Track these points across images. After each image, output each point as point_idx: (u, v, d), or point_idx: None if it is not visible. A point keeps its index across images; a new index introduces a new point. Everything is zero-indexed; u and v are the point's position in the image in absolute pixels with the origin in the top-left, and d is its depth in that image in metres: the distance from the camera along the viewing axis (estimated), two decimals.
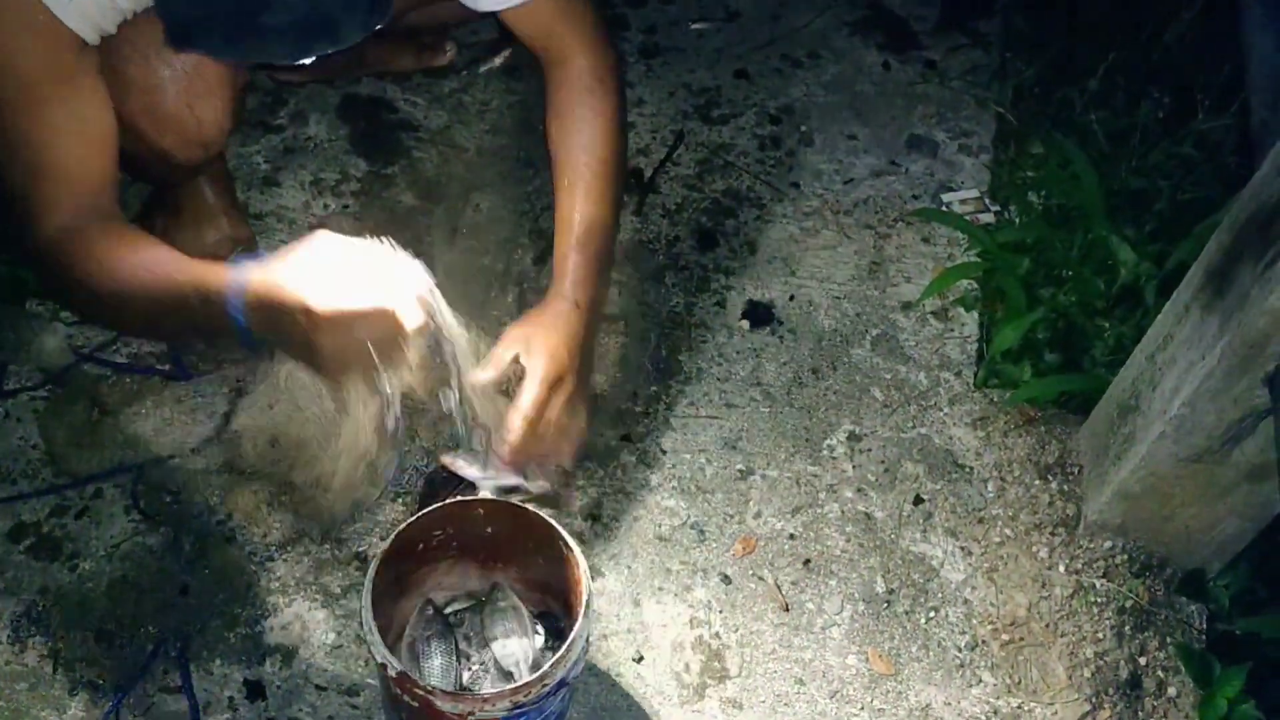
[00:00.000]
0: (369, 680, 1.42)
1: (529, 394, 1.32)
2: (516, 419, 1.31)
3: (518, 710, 1.17)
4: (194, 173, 1.66)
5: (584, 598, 1.22)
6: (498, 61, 2.14)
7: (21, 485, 1.55)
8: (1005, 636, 1.51)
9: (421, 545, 1.32)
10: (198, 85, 1.43)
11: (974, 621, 1.52)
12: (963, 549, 1.59)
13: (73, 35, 1.18)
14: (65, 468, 1.57)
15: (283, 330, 1.10)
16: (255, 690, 1.41)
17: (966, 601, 1.54)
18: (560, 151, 1.47)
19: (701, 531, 1.59)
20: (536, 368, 1.33)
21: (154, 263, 1.19)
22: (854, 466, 1.67)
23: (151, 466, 1.57)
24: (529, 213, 1.91)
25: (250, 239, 1.78)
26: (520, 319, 1.40)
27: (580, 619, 1.20)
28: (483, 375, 1.30)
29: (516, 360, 1.34)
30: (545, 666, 1.18)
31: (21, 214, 1.24)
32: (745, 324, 1.82)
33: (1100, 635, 1.51)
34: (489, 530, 1.35)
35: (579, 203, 1.44)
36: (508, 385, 1.35)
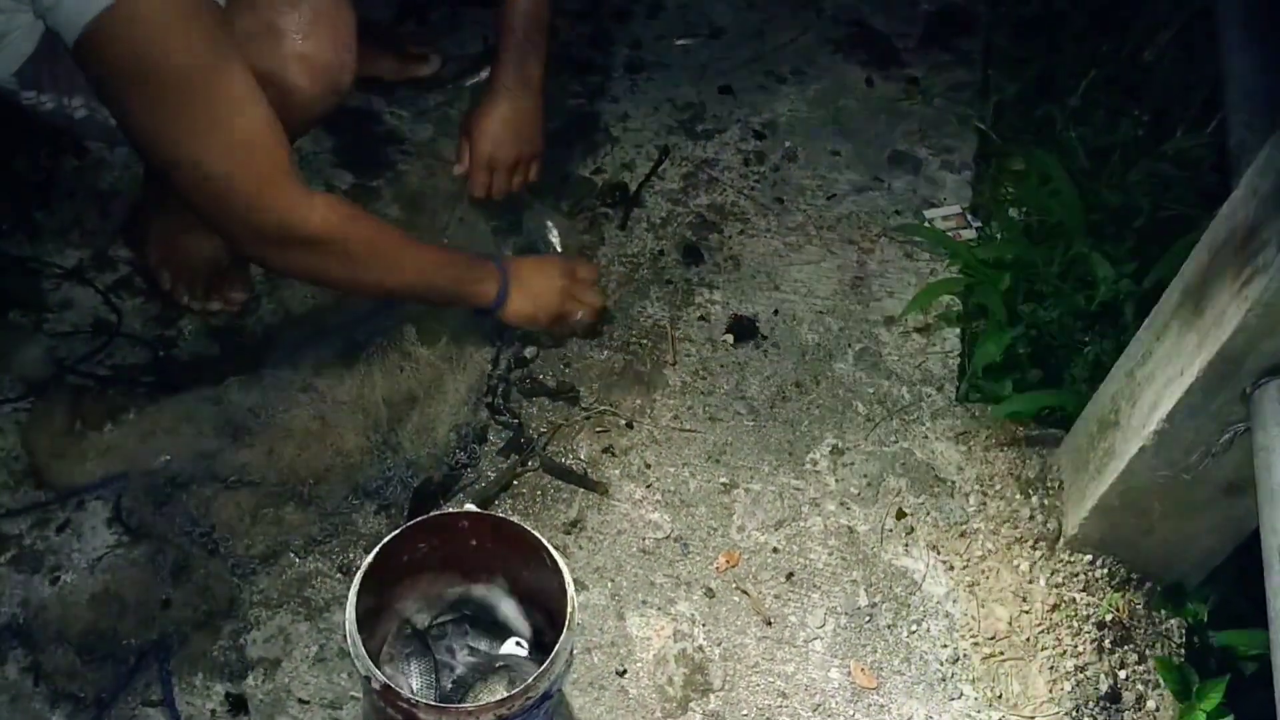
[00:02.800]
0: (352, 693, 1.42)
1: (472, 175, 1.84)
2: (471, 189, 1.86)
3: None
4: (305, 131, 1.68)
5: (568, 611, 1.22)
6: (483, 75, 2.14)
7: (3, 498, 1.54)
8: (986, 650, 1.52)
9: (406, 558, 1.32)
10: (329, 29, 1.44)
11: (955, 635, 1.53)
12: (944, 563, 1.60)
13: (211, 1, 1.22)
14: (47, 480, 1.56)
15: (538, 292, 1.68)
16: (238, 704, 1.40)
17: (948, 615, 1.55)
18: None
19: (685, 545, 1.59)
20: (475, 150, 1.82)
21: (426, 254, 1.56)
22: (837, 480, 1.67)
23: (134, 479, 1.57)
24: (513, 226, 1.92)
25: None
26: (471, 105, 1.87)
27: (564, 632, 1.21)
28: (456, 169, 1.86)
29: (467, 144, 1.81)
30: (529, 679, 1.18)
31: (234, 207, 1.30)
32: (729, 338, 1.83)
33: (1080, 649, 1.52)
34: (473, 543, 1.35)
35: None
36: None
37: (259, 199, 1.30)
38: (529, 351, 1.77)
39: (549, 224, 1.89)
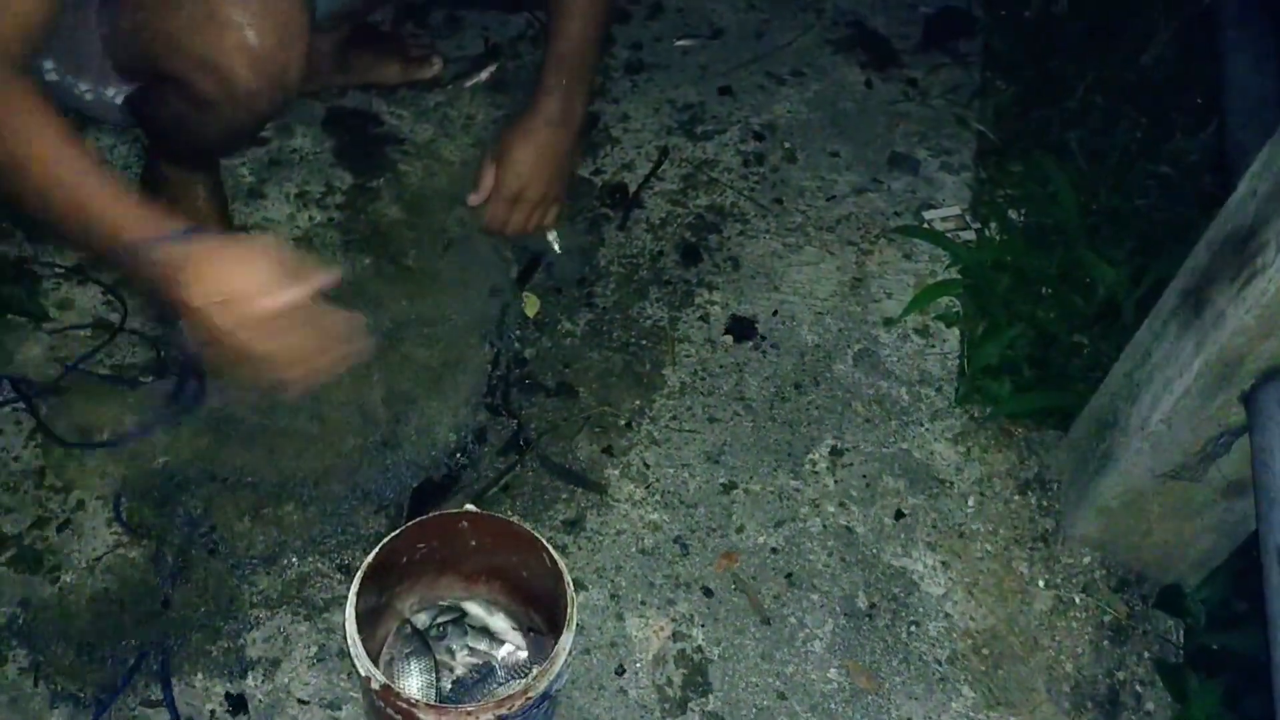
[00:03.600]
0: (352, 694, 1.42)
1: (492, 206, 1.74)
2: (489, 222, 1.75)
3: None
4: (260, 128, 1.62)
5: (567, 611, 1.23)
6: (484, 76, 2.16)
7: (3, 497, 1.54)
8: (985, 650, 1.53)
9: (405, 558, 1.32)
10: (279, 21, 1.39)
11: (954, 635, 1.53)
12: (943, 563, 1.60)
13: None
14: (47, 480, 1.56)
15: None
16: (237, 704, 1.40)
17: (947, 616, 1.55)
18: None
19: (684, 545, 1.59)
20: (502, 182, 1.71)
21: (79, 176, 1.12)
22: (836, 481, 1.68)
23: (134, 479, 1.57)
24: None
25: None
26: (504, 132, 1.73)
27: (564, 632, 1.21)
28: (472, 199, 1.74)
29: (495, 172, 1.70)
30: (528, 679, 1.19)
31: None
32: (728, 339, 1.83)
33: (1079, 650, 1.53)
34: (473, 543, 1.35)
35: (565, 20, 1.64)
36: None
37: None
38: (529, 352, 1.77)
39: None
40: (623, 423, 1.71)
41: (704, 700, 1.46)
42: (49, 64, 1.36)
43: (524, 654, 1.41)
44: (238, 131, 1.59)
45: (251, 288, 1.09)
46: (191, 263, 1.09)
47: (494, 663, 1.41)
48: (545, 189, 1.74)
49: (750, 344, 1.83)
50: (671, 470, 1.67)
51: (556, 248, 1.87)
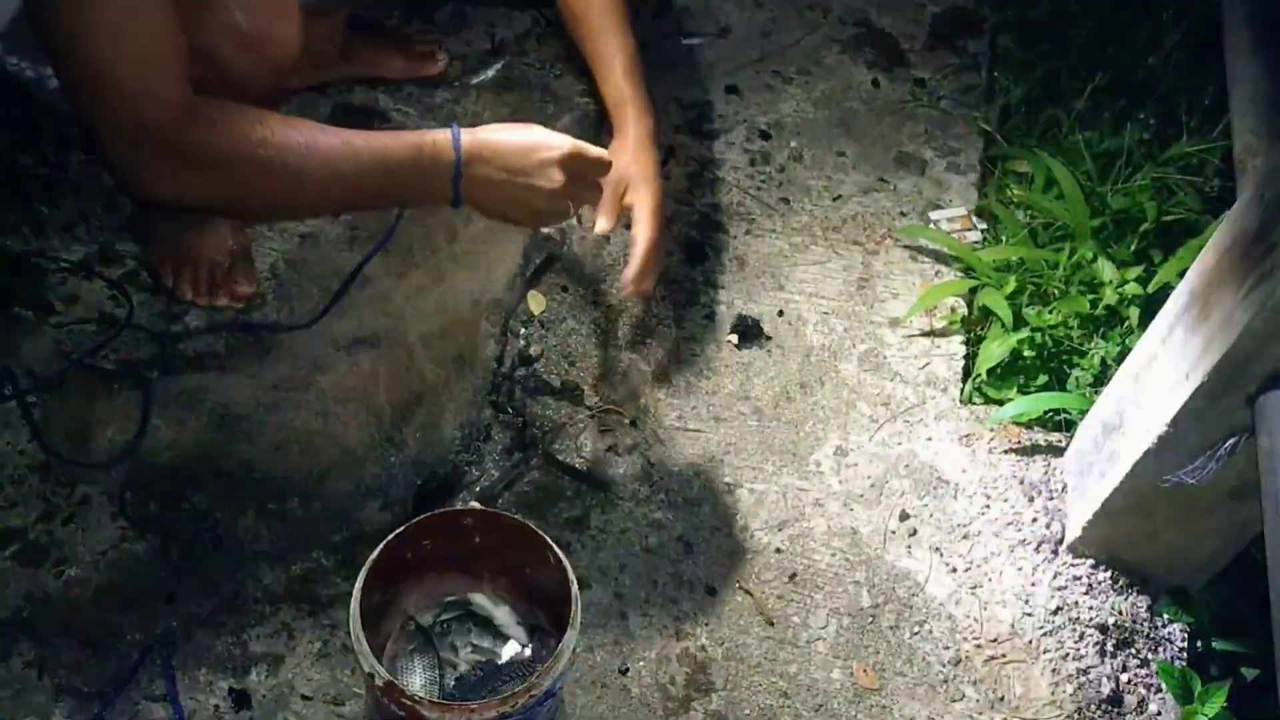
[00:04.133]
0: (355, 690, 1.42)
1: (649, 231, 1.59)
2: (643, 252, 1.59)
3: None
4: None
5: (572, 609, 1.23)
6: (491, 73, 2.15)
7: (8, 491, 1.54)
8: (989, 652, 1.52)
9: (410, 555, 1.32)
10: (268, 3, 1.39)
11: (958, 637, 1.53)
12: (947, 565, 1.60)
13: None
14: (53, 474, 1.56)
15: (505, 182, 1.33)
16: (241, 699, 1.41)
17: (951, 617, 1.55)
18: None
19: (688, 544, 1.59)
20: (645, 203, 1.60)
21: (341, 133, 1.29)
22: (840, 481, 1.68)
23: (139, 473, 1.57)
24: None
25: (247, 246, 1.78)
26: (625, 162, 1.62)
27: (568, 630, 1.21)
28: (602, 226, 1.58)
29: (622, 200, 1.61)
30: (532, 677, 1.19)
31: (114, 102, 1.19)
32: (734, 338, 1.83)
33: (1083, 652, 1.52)
34: (477, 540, 1.35)
35: (613, 36, 1.68)
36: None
37: (137, 98, 1.19)
38: (534, 350, 1.77)
39: None
40: (628, 421, 1.71)
41: (707, 699, 1.46)
42: (11, 59, 1.36)
43: (528, 652, 1.41)
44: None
45: (531, 144, 1.33)
46: (484, 141, 1.32)
47: (498, 660, 1.41)
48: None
49: (756, 344, 1.82)
50: (676, 469, 1.67)
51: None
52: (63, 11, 1.16)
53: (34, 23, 1.20)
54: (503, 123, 1.36)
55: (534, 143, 1.33)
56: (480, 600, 1.43)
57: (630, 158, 1.63)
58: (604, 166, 1.40)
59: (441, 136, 1.30)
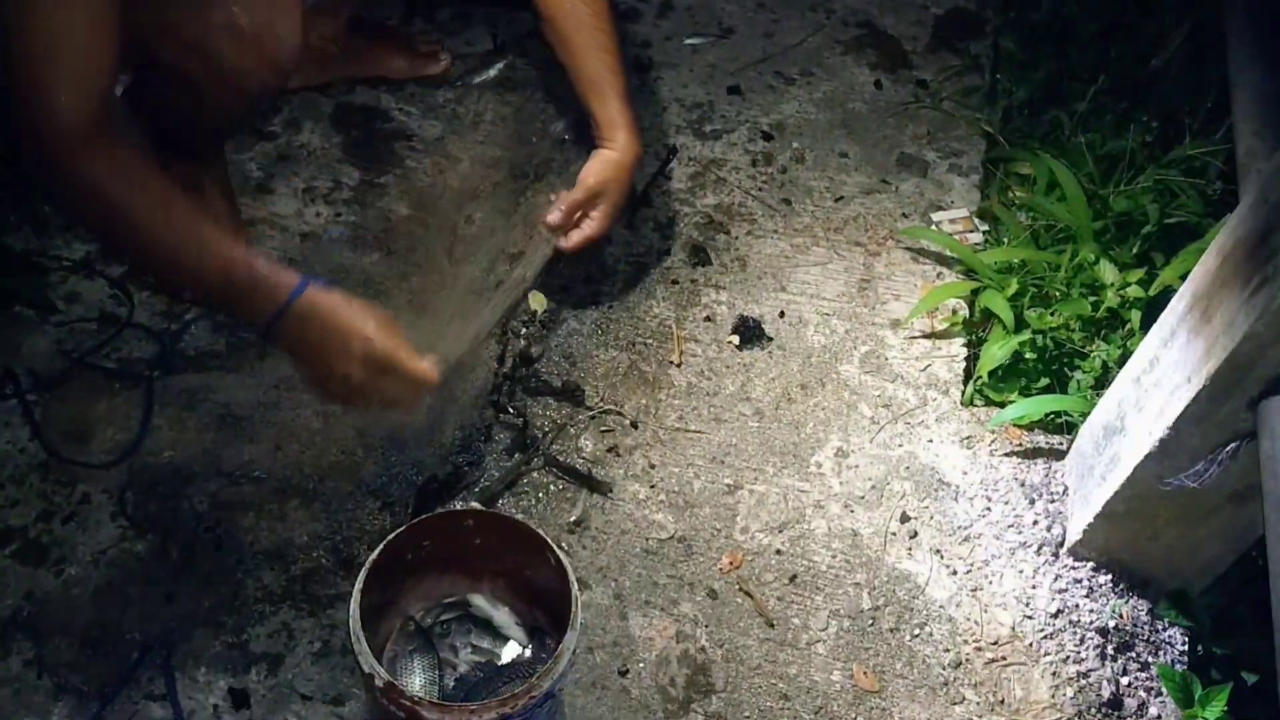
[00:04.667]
0: (355, 690, 1.42)
1: (603, 222, 1.72)
2: (590, 231, 1.72)
3: None
4: (253, 111, 1.65)
5: (571, 610, 1.22)
6: (492, 73, 2.15)
7: (9, 490, 1.54)
8: (989, 655, 1.52)
9: (410, 555, 1.32)
10: (267, 1, 1.40)
11: (958, 639, 1.53)
12: (948, 567, 1.60)
13: None
14: (53, 473, 1.56)
15: (314, 346, 1.30)
16: (240, 699, 1.41)
17: (951, 619, 1.55)
18: (559, 12, 1.69)
19: (688, 546, 1.59)
20: (610, 207, 1.72)
21: (191, 225, 1.28)
22: (841, 483, 1.67)
23: (139, 473, 1.57)
24: (521, 223, 1.92)
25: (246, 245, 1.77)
26: (593, 167, 1.71)
27: (568, 631, 1.21)
28: (554, 218, 1.68)
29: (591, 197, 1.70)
30: (532, 678, 1.19)
31: (27, 100, 1.21)
32: (735, 339, 1.83)
33: (1083, 655, 1.52)
34: (477, 541, 1.35)
35: (605, 55, 1.70)
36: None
37: (47, 98, 1.21)
38: (535, 350, 1.77)
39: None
40: (628, 422, 1.71)
41: (707, 701, 1.46)
42: None
43: (528, 653, 1.41)
44: (230, 114, 1.58)
45: (353, 332, 1.30)
46: (316, 306, 1.29)
47: (497, 661, 1.41)
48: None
49: (757, 345, 1.82)
50: (676, 470, 1.67)
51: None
52: (7, 19, 1.18)
53: None
54: (358, 304, 1.32)
55: (349, 328, 1.30)
56: (479, 603, 1.43)
57: (613, 175, 1.71)
58: (416, 385, 1.34)
59: (285, 282, 1.28)
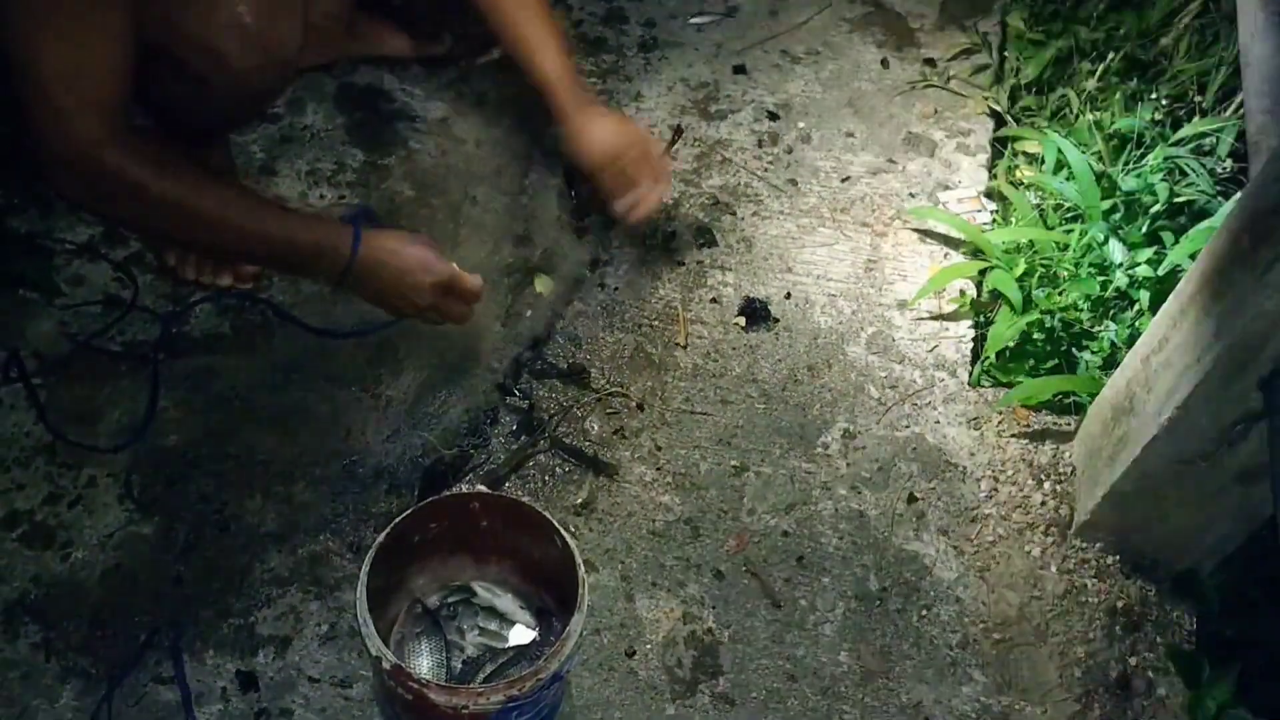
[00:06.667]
0: (362, 672, 1.42)
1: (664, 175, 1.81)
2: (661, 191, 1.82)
3: (511, 704, 1.17)
4: (257, 106, 1.70)
5: (579, 592, 1.22)
6: (496, 53, 2.14)
7: (16, 473, 1.54)
8: (996, 635, 1.52)
9: (417, 538, 1.32)
10: (276, 1, 1.42)
11: (965, 620, 1.53)
12: (955, 548, 1.59)
13: None
14: (59, 456, 1.56)
15: (386, 288, 1.49)
16: (248, 681, 1.41)
17: (958, 600, 1.55)
18: None
19: (695, 527, 1.59)
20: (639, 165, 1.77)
21: (250, 203, 1.43)
22: (848, 464, 1.67)
23: (145, 456, 1.57)
24: (526, 205, 1.91)
25: None
26: (584, 145, 1.75)
27: (575, 613, 1.21)
28: (620, 206, 1.79)
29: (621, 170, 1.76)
30: (539, 660, 1.19)
31: (45, 114, 1.26)
32: (741, 321, 1.82)
33: (1091, 635, 1.52)
34: (484, 524, 1.35)
35: (540, 24, 1.75)
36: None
37: (66, 120, 1.27)
38: (541, 333, 1.77)
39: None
40: (634, 404, 1.71)
41: (714, 682, 1.46)
42: None
43: (534, 635, 1.41)
44: (235, 108, 1.59)
45: (411, 267, 1.49)
46: (375, 254, 1.46)
47: (504, 644, 1.41)
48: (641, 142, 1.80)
49: (763, 326, 1.82)
50: (683, 452, 1.66)
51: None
52: (17, 20, 1.22)
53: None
54: (408, 239, 1.50)
55: (415, 265, 1.48)
56: (482, 592, 1.43)
57: (611, 141, 1.75)
58: (475, 295, 1.55)
59: (343, 242, 1.43)
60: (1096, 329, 1.75)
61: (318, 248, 1.43)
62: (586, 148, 1.75)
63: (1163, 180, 1.89)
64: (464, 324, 1.60)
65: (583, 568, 1.24)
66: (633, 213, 1.79)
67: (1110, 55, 2.08)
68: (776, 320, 1.82)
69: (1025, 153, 2.05)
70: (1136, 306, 1.75)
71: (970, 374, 1.78)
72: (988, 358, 1.76)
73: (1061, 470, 1.66)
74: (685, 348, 1.78)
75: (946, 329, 1.83)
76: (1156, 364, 1.44)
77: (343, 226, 1.45)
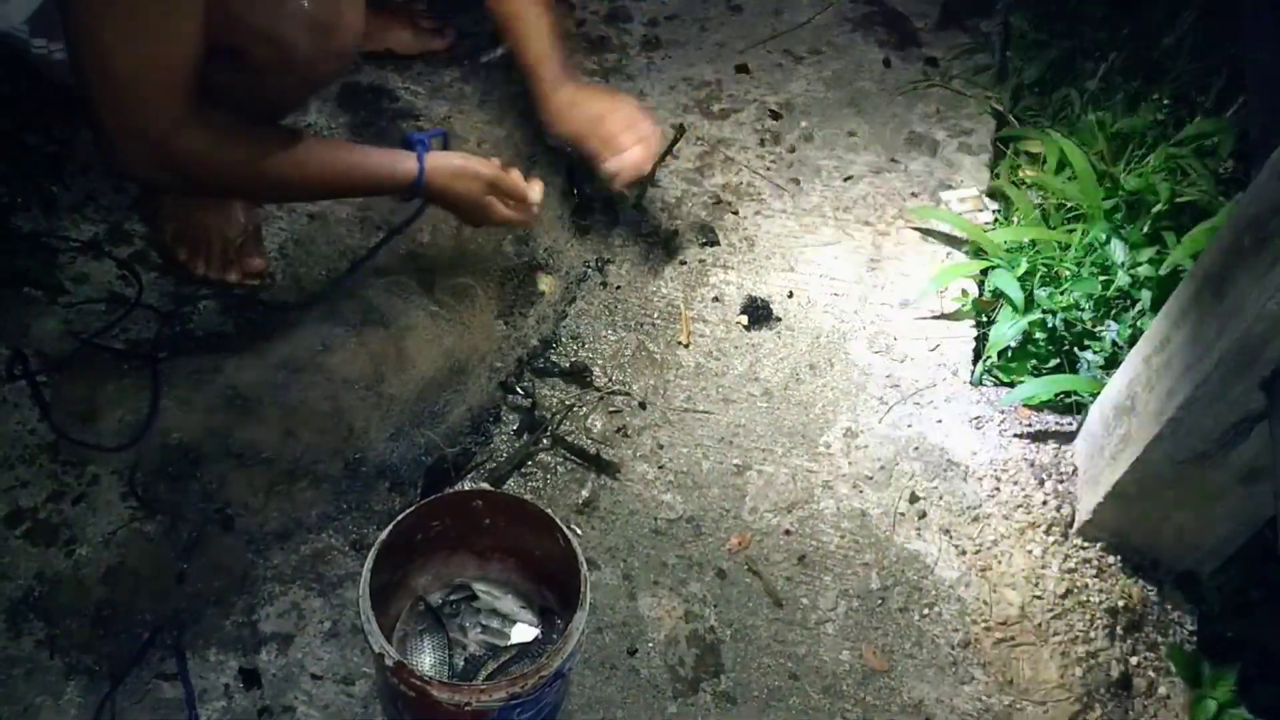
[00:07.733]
0: (365, 669, 1.42)
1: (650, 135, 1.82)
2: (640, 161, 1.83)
3: (514, 701, 1.17)
4: (309, 94, 1.80)
5: (581, 590, 1.23)
6: (498, 52, 2.14)
7: (20, 470, 1.54)
8: (998, 635, 1.52)
9: (419, 536, 1.32)
10: None
11: (967, 619, 1.53)
12: (957, 547, 1.59)
13: None
14: (63, 454, 1.56)
15: (459, 202, 1.63)
16: (251, 678, 1.41)
17: (960, 599, 1.55)
18: None
19: (697, 526, 1.59)
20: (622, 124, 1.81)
21: (321, 146, 1.61)
22: (850, 463, 1.67)
23: (148, 453, 1.57)
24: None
25: (258, 223, 1.77)
26: (578, 125, 1.81)
27: (577, 611, 1.21)
28: (609, 167, 1.80)
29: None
30: (542, 658, 1.19)
31: (126, 106, 1.29)
32: (743, 320, 1.82)
33: (1092, 635, 1.52)
34: (486, 522, 1.35)
35: (533, 7, 1.79)
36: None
37: (149, 109, 1.31)
38: (544, 331, 1.77)
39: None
40: (637, 403, 1.71)
41: (715, 681, 1.46)
42: (40, 41, 1.39)
43: (537, 633, 1.41)
44: (288, 98, 1.61)
45: (486, 191, 1.64)
46: (434, 166, 1.59)
47: (507, 641, 1.41)
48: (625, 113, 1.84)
49: (765, 325, 1.82)
50: (685, 451, 1.67)
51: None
52: (89, 19, 1.23)
53: (59, 8, 1.27)
54: (465, 159, 1.64)
55: (483, 183, 1.64)
56: (483, 593, 1.43)
57: (600, 116, 1.80)
58: (519, 193, 1.67)
59: (408, 167, 1.57)
60: (1098, 329, 1.76)
61: (391, 169, 1.56)
62: (569, 116, 1.80)
63: (1164, 180, 1.89)
64: (529, 226, 1.79)
65: (585, 566, 1.25)
66: (620, 175, 1.80)
67: (1112, 55, 2.08)
68: (779, 319, 1.83)
69: (1027, 152, 2.05)
70: (1138, 306, 1.75)
71: (972, 373, 1.78)
72: (989, 357, 1.77)
73: (1063, 470, 1.66)
74: (687, 346, 1.78)
75: (948, 328, 1.83)
76: (1158, 364, 1.44)
77: (406, 157, 1.58)
